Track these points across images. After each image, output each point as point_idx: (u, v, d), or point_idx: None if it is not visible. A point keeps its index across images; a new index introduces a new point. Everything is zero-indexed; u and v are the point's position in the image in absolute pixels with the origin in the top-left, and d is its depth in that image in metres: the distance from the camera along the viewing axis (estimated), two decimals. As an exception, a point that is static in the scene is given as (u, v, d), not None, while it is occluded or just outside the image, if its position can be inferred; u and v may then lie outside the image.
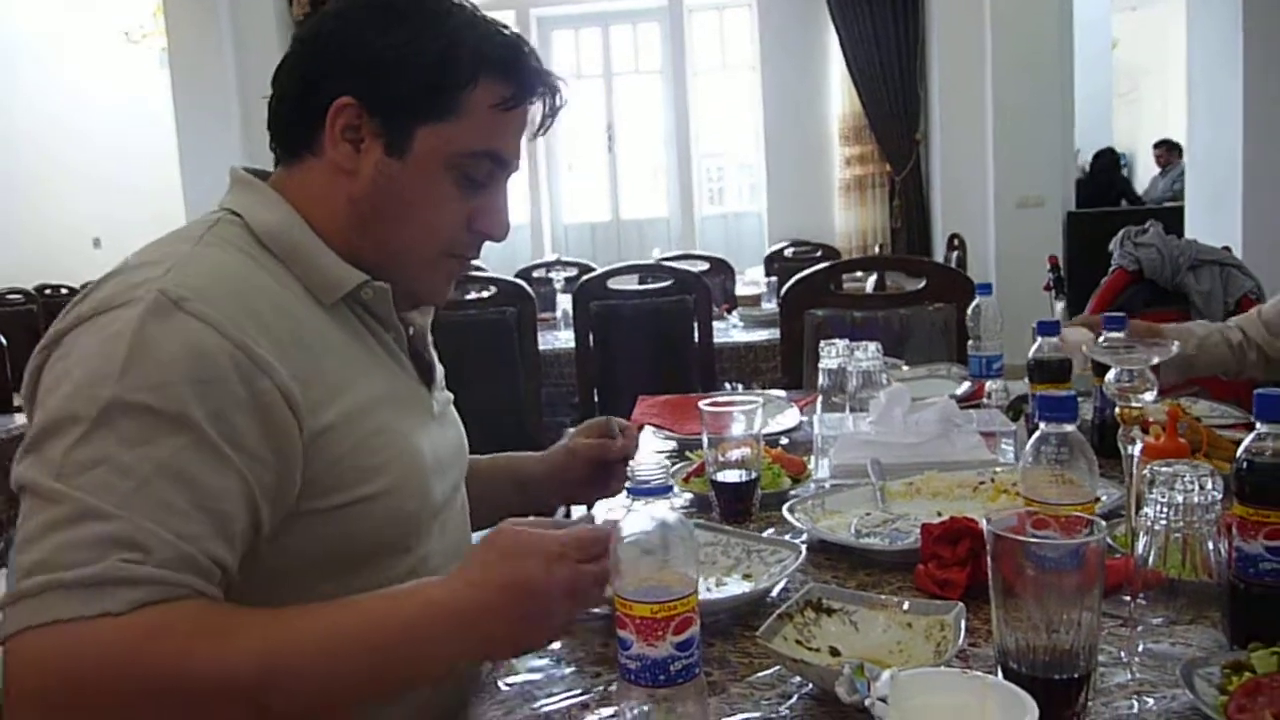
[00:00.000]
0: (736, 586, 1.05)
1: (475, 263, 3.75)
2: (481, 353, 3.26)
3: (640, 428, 1.82)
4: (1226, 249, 2.79)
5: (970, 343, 2.03)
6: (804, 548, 1.06)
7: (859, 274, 4.12)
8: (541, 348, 3.43)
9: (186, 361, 0.79)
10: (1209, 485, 0.84)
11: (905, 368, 2.23)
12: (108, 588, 0.72)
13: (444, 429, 1.09)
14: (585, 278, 3.45)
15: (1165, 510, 0.84)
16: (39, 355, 0.85)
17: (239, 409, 0.81)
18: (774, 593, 1.03)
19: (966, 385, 1.93)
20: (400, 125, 0.95)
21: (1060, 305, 3.47)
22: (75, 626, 0.71)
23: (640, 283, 3.99)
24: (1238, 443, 1.40)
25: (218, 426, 0.80)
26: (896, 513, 1.24)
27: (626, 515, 0.73)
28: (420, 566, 0.98)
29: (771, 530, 1.26)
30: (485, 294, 3.41)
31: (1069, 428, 0.87)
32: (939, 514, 1.24)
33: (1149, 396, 0.92)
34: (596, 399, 3.37)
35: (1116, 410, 0.94)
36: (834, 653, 0.87)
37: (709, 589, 1.05)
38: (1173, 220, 3.91)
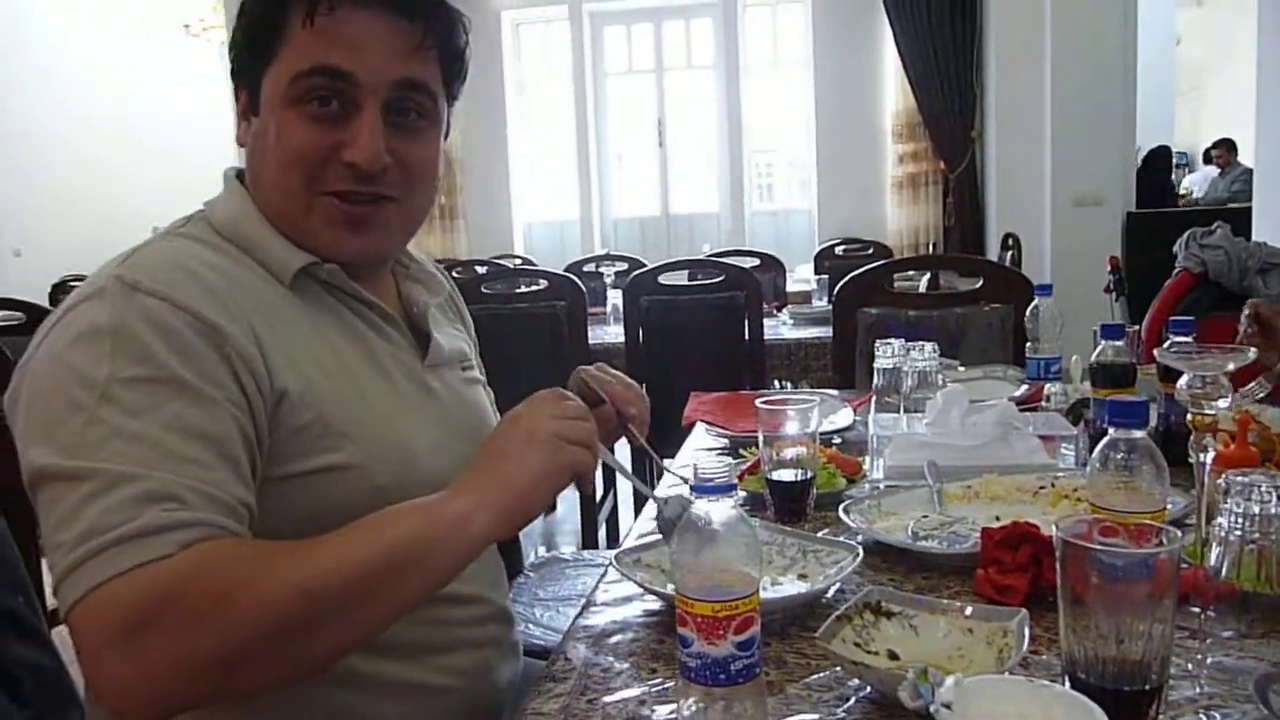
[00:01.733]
0: (792, 587, 1.05)
1: (526, 256, 3.70)
2: (532, 346, 3.28)
3: (691, 424, 1.82)
4: (1299, 250, 2.72)
5: (1028, 345, 2.00)
6: (861, 549, 1.05)
7: (911, 273, 4.08)
8: (591, 342, 3.44)
9: (158, 335, 0.84)
10: (1288, 497, 0.81)
11: (961, 369, 2.20)
12: (153, 536, 0.76)
13: (445, 406, 1.09)
14: (636, 272, 3.45)
15: (1240, 520, 0.82)
16: (28, 354, 0.89)
17: (216, 366, 0.86)
18: (830, 594, 1.03)
19: (1024, 388, 1.90)
20: (254, 84, 0.99)
21: (1121, 307, 3.38)
22: (131, 575, 0.75)
23: (690, 279, 3.99)
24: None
25: (206, 381, 0.85)
26: (954, 516, 1.22)
27: (689, 512, 0.72)
28: None
29: (826, 531, 1.25)
30: (535, 287, 3.43)
31: (1139, 434, 0.85)
32: (997, 518, 1.23)
33: (1223, 404, 0.89)
34: (646, 391, 3.37)
35: (1188, 417, 0.91)
36: (892, 656, 0.86)
37: (764, 588, 1.05)
38: (1238, 222, 3.82)
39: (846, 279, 2.49)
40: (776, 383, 3.72)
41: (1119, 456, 0.86)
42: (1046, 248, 5.52)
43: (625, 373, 3.22)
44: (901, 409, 1.68)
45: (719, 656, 0.71)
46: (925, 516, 1.22)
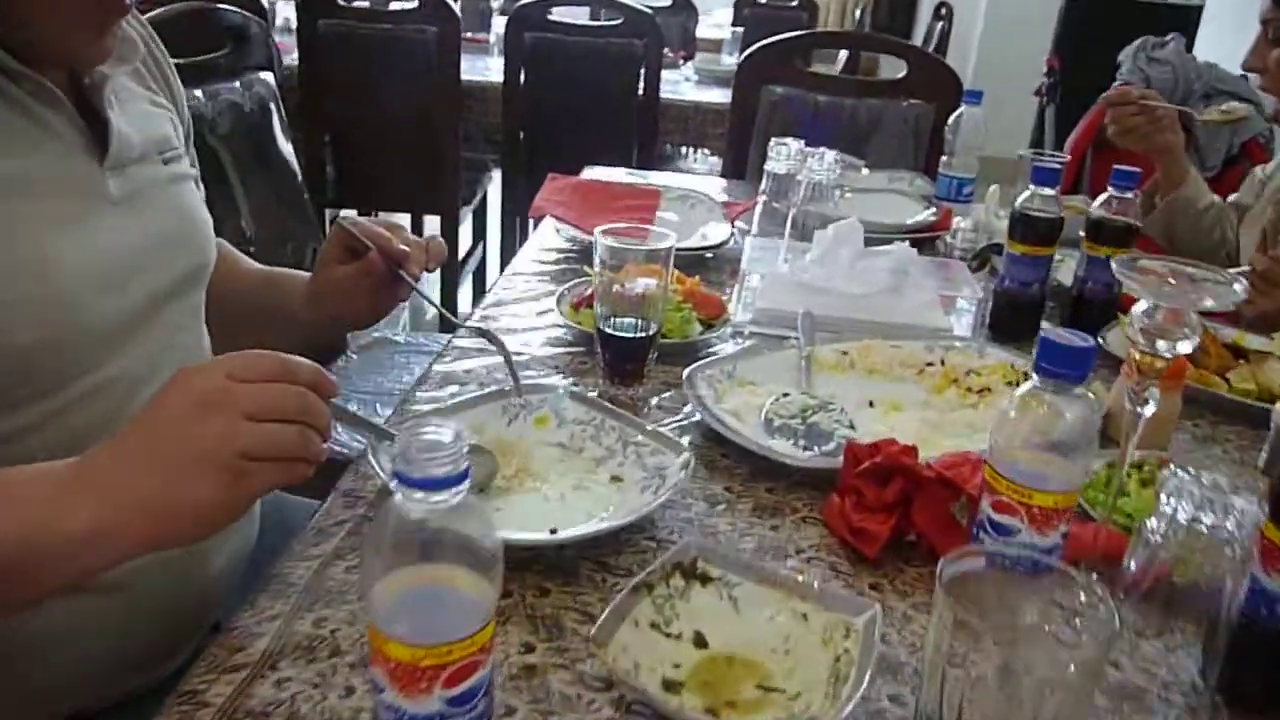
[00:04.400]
0: (593, 496, 0.81)
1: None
2: (393, 76, 2.84)
3: (540, 217, 1.53)
4: (1245, 79, 2.46)
5: (944, 158, 1.74)
6: (691, 460, 0.82)
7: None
8: (468, 77, 3.02)
9: None
10: (1237, 508, 0.60)
11: (865, 171, 1.94)
12: None
13: (132, 221, 0.80)
14: (524, 2, 2.98)
15: (1171, 530, 0.61)
16: None
17: None
18: (642, 514, 0.79)
19: (930, 210, 1.66)
20: None
21: (1050, 116, 3.08)
22: None
23: (593, 17, 3.53)
24: (1238, 350, 1.18)
25: None
26: (821, 397, 1.00)
27: (390, 502, 0.46)
28: (95, 396, 0.75)
29: (667, 395, 1.02)
30: (404, 6, 2.93)
31: (1076, 395, 0.61)
32: (871, 403, 1.02)
33: (1185, 346, 0.66)
34: (523, 139, 3.03)
35: (1134, 355, 0.68)
36: (699, 642, 0.64)
37: (562, 495, 0.82)
38: (1188, 20, 3.54)
39: (754, 49, 2.14)
40: (668, 146, 3.39)
41: (1042, 415, 0.63)
42: (979, 21, 5.13)
43: (501, 117, 2.82)
44: (786, 234, 1.42)
45: (421, 715, 0.47)
46: (785, 395, 0.99)
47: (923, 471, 0.78)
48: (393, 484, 0.45)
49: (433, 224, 3.40)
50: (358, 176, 3.00)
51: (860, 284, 1.23)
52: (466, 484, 0.46)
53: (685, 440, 0.93)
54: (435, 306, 0.94)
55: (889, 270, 1.25)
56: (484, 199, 3.50)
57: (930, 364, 1.09)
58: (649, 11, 2.96)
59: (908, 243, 1.35)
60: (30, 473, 0.59)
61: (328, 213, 3.09)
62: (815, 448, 0.91)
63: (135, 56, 0.84)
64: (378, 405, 1.72)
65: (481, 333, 0.94)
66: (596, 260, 1.02)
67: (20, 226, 0.69)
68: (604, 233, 1.00)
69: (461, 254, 3.30)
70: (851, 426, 0.95)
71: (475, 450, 0.82)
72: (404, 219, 4.23)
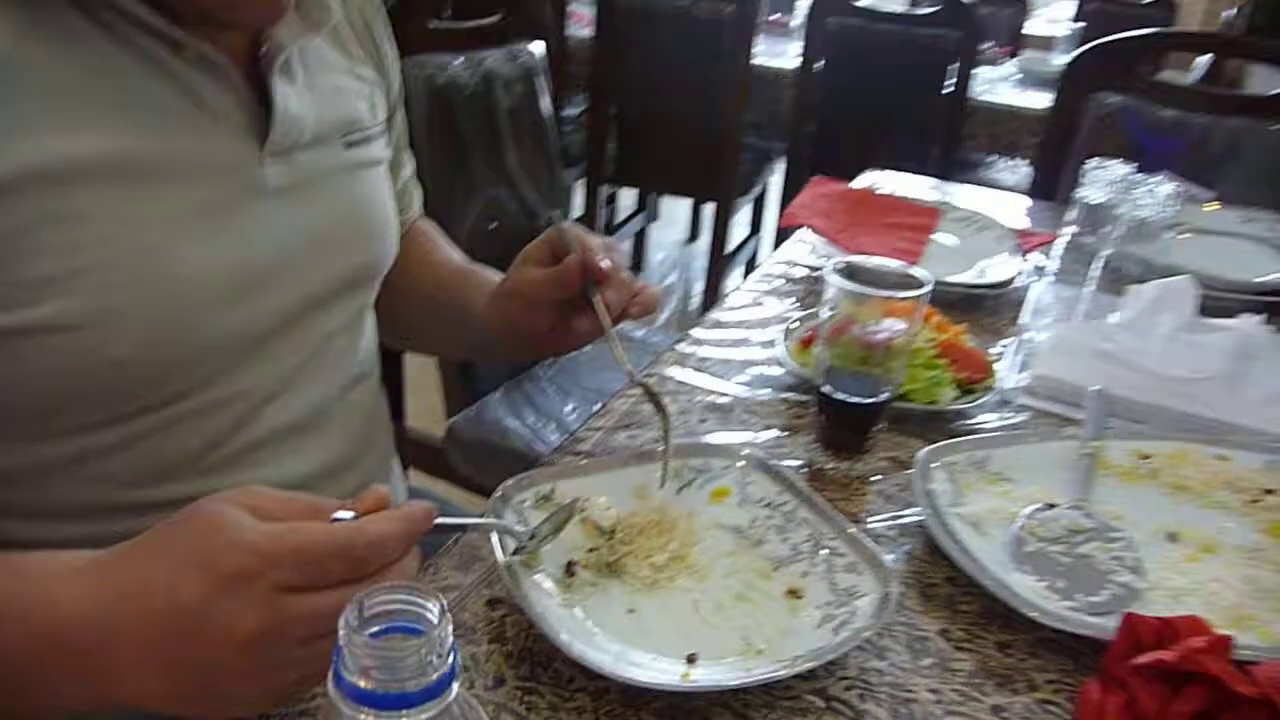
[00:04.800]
0: (758, 615, 0.62)
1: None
2: (684, 54, 2.73)
3: (791, 228, 1.33)
4: None
5: (1324, 202, 1.37)
6: (895, 596, 0.61)
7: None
8: (765, 61, 2.87)
9: None
10: None
11: (1212, 205, 1.58)
12: None
13: (296, 211, 0.69)
14: (832, -17, 2.75)
15: None
16: None
17: None
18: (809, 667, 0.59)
19: (1295, 270, 1.30)
20: None
21: None
22: None
23: (910, 5, 3.24)
24: None
25: None
26: (1101, 517, 0.74)
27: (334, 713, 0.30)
28: (199, 418, 0.66)
29: (894, 479, 0.80)
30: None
31: None
32: (1173, 537, 0.75)
33: None
34: (812, 131, 2.82)
35: None
36: None
37: (719, 604, 0.63)
38: None
39: (1087, 47, 1.80)
40: (975, 152, 3.04)
41: None
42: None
43: (792, 105, 2.60)
44: (1092, 281, 1.14)
45: None
46: (1050, 508, 0.75)
47: (1237, 684, 0.53)
48: (330, 689, 0.29)
49: (708, 210, 3.27)
50: (638, 153, 2.92)
51: (1183, 364, 0.94)
52: (454, 690, 0.29)
53: (901, 550, 0.72)
54: (614, 348, 0.77)
55: (1226, 350, 0.95)
56: (764, 189, 3.33)
57: (1270, 492, 0.80)
58: (969, 1, 2.65)
59: (1258, 316, 1.03)
60: (34, 596, 0.47)
61: (603, 190, 3.03)
62: (1079, 596, 0.67)
63: (329, 18, 0.74)
64: (594, 404, 1.60)
65: (647, 392, 0.77)
66: (825, 294, 0.82)
67: (145, 216, 0.59)
68: (840, 266, 0.79)
69: (733, 246, 3.14)
70: (1138, 570, 0.69)
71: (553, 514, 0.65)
72: (682, 203, 4.15)
